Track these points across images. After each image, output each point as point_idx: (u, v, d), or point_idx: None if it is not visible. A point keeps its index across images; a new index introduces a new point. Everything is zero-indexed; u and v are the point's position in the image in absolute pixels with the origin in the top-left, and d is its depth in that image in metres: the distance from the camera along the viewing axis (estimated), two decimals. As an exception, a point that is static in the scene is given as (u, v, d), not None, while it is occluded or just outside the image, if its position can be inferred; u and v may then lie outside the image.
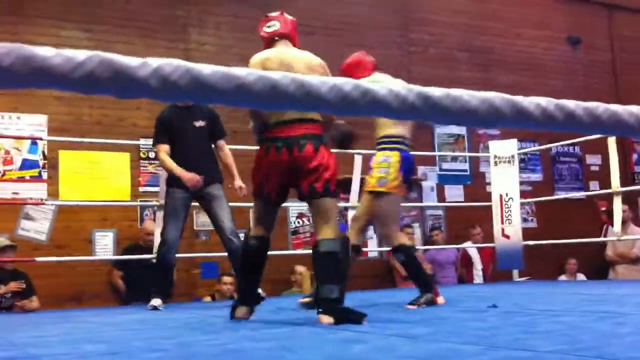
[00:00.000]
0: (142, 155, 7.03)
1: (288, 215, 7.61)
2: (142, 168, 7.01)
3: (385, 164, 4.02)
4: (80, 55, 0.73)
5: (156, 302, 4.78)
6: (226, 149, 5.15)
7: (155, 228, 5.43)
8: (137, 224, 6.86)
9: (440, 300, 4.07)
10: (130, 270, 6.40)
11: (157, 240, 5.33)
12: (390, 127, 4.07)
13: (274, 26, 3.55)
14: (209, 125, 4.98)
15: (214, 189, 4.91)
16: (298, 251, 7.42)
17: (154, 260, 5.22)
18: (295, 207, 7.57)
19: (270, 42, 3.56)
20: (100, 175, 6.81)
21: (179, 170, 4.72)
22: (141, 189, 6.95)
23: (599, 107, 0.80)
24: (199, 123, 4.92)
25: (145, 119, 7.06)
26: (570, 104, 0.79)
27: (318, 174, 3.26)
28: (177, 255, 6.72)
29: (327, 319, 3.13)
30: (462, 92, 0.85)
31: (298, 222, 7.67)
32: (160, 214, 5.36)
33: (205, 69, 0.75)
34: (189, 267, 7.02)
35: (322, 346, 2.41)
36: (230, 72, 0.76)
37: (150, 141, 6.59)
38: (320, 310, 3.20)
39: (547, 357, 1.91)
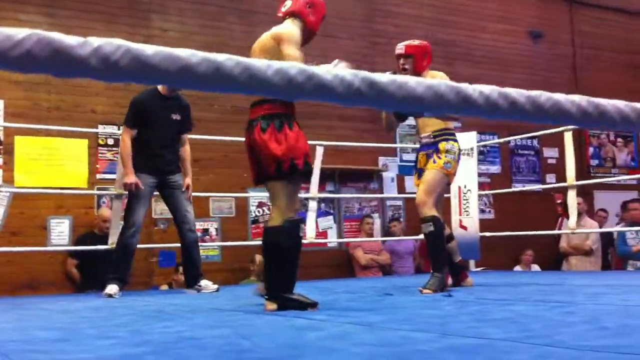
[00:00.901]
0: (100, 142, 6.92)
1: (248, 204, 7.59)
2: (100, 155, 6.91)
3: (451, 151, 4.40)
4: (18, 33, 0.72)
5: (112, 289, 4.70)
6: (187, 145, 5.15)
7: (112, 216, 5.36)
8: (93, 211, 6.76)
9: (450, 281, 4.39)
10: (85, 259, 6.31)
11: (113, 227, 5.27)
12: (445, 121, 4.45)
13: (286, 5, 3.55)
14: (182, 119, 5.00)
15: (178, 178, 4.95)
16: (257, 241, 7.41)
17: (113, 246, 5.15)
18: (255, 197, 7.55)
19: (283, 21, 3.56)
20: (57, 162, 6.69)
21: (129, 165, 4.74)
22: (99, 176, 6.84)
23: (542, 95, 0.82)
24: (176, 116, 4.93)
25: (104, 105, 6.96)
26: (514, 92, 0.81)
27: (267, 156, 3.19)
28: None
29: (270, 306, 3.16)
30: (409, 79, 0.85)
31: (258, 211, 7.65)
32: (117, 202, 5.30)
33: (148, 50, 0.74)
34: (147, 255, 6.95)
35: (278, 334, 2.42)
36: (173, 53, 0.75)
37: (109, 128, 6.54)
38: (266, 297, 3.22)
39: (498, 345, 1.95)
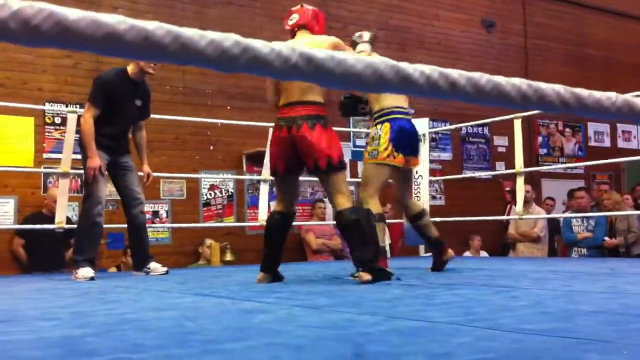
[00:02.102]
0: (47, 120, 6.76)
1: (199, 187, 7.52)
2: (47, 134, 6.75)
3: (376, 137, 4.27)
4: None
5: (88, 272, 4.45)
6: (144, 131, 5.06)
7: (59, 195, 5.23)
8: (39, 191, 6.61)
9: (451, 252, 4.54)
10: (32, 239, 6.18)
11: (60, 207, 5.15)
12: (382, 101, 4.30)
13: (294, 19, 3.90)
14: (142, 106, 4.90)
15: (129, 160, 4.86)
16: (208, 224, 7.36)
17: (61, 226, 5.05)
18: (207, 179, 7.49)
19: (292, 34, 3.92)
20: (1, 140, 6.50)
21: (93, 147, 4.54)
22: (45, 155, 6.69)
23: (482, 77, 0.82)
24: (138, 102, 4.84)
25: (52, 83, 6.79)
26: (454, 73, 0.80)
27: (319, 152, 3.65)
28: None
29: (366, 277, 3.57)
30: (347, 56, 0.84)
31: (210, 194, 7.59)
32: (63, 181, 5.19)
33: (72, 14, 0.70)
34: (95, 237, 6.83)
35: (224, 316, 2.40)
36: (99, 19, 0.72)
37: (56, 106, 6.38)
38: (360, 270, 3.63)
39: (442, 328, 1.97)
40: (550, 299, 2.69)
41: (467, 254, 8.37)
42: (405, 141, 4.29)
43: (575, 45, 10.78)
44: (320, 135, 3.64)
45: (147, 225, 4.98)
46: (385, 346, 1.67)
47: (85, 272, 4.46)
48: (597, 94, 0.98)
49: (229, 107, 7.64)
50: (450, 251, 4.53)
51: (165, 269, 4.96)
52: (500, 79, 0.84)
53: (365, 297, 2.95)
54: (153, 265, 4.91)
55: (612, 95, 1.01)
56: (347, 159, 8.37)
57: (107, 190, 4.81)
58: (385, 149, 4.22)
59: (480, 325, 1.97)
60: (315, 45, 3.39)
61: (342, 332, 1.92)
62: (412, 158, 4.43)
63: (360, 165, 8.57)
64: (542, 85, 0.89)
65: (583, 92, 0.96)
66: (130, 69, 4.73)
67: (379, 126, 4.29)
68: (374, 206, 4.27)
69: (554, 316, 2.18)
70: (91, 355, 1.64)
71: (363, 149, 8.64)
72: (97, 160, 4.54)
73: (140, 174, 4.99)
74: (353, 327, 2.04)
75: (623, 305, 2.42)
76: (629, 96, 1.05)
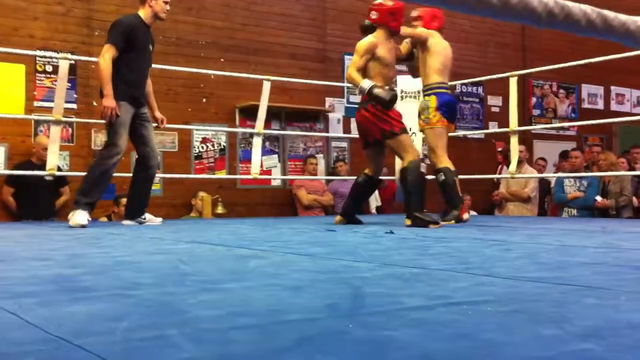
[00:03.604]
0: (38, 68, 6.65)
1: (191, 139, 7.47)
2: (38, 82, 6.64)
3: (425, 107, 5.04)
4: None
5: (83, 218, 4.42)
6: (149, 79, 5.02)
7: (50, 143, 5.18)
8: (30, 139, 6.53)
9: (466, 216, 5.10)
10: (22, 188, 6.14)
11: (51, 154, 5.10)
12: (429, 77, 5.02)
13: (373, 15, 4.69)
14: (151, 52, 4.91)
15: (147, 111, 4.89)
16: (200, 176, 7.33)
17: (52, 173, 5.03)
18: (199, 132, 7.43)
19: (372, 28, 4.69)
20: (-9, 87, 6.40)
21: (108, 87, 4.52)
22: (36, 103, 6.60)
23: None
24: (151, 47, 4.85)
25: (43, 29, 6.67)
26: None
27: (370, 130, 4.57)
28: (74, 174, 6.53)
29: (408, 221, 4.44)
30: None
31: (202, 147, 7.55)
32: (55, 129, 5.13)
33: None
34: (86, 187, 6.79)
35: (220, 261, 2.40)
36: None
37: (48, 53, 6.27)
38: (406, 216, 4.52)
39: (438, 274, 1.97)
40: (544, 252, 2.70)
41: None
42: (448, 110, 5.02)
43: None
44: (374, 114, 4.51)
45: None
46: (383, 288, 1.67)
47: (80, 218, 4.42)
48: (623, 17, 0.95)
49: (222, 60, 7.54)
50: (466, 215, 5.14)
51: (160, 219, 4.99)
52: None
53: (360, 248, 2.95)
54: (148, 215, 4.92)
55: (639, 19, 0.98)
56: (340, 115, 8.36)
57: (127, 139, 4.76)
58: (434, 116, 4.94)
59: (476, 273, 1.97)
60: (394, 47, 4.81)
61: (338, 276, 1.92)
62: (451, 124, 5.17)
63: (353, 121, 8.53)
64: (569, 3, 0.86)
65: (610, 13, 0.93)
66: (143, 14, 4.70)
67: (426, 98, 5.03)
68: (448, 164, 4.95)
69: (549, 266, 2.19)
70: (87, 291, 1.63)
71: (356, 105, 8.62)
72: (112, 100, 4.52)
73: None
74: (349, 272, 2.04)
75: (618, 259, 2.43)
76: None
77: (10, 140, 6.48)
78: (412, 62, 5.28)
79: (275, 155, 8.03)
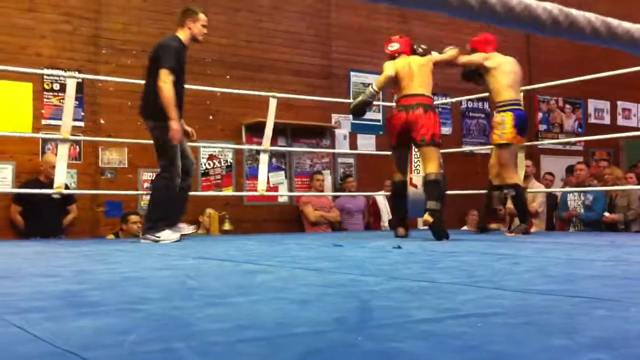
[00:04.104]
0: (45, 86, 6.69)
1: (198, 157, 7.47)
2: (45, 100, 6.68)
3: (501, 122, 5.34)
4: None
5: (170, 234, 4.60)
6: None
7: (58, 161, 5.19)
8: (38, 157, 6.56)
9: (534, 229, 5.60)
10: (29, 206, 6.15)
11: (58, 173, 5.12)
12: (503, 94, 5.37)
13: (394, 46, 5.36)
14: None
15: (184, 126, 4.96)
16: (207, 193, 7.33)
17: (60, 191, 5.04)
18: (206, 149, 7.45)
19: (393, 56, 5.32)
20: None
21: (174, 111, 4.58)
22: (44, 121, 6.63)
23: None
24: (185, 66, 4.92)
25: (50, 48, 6.72)
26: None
27: (425, 129, 4.86)
28: (82, 192, 6.54)
29: (427, 217, 4.72)
30: None
31: (209, 164, 7.56)
32: (63, 147, 5.15)
33: None
34: (93, 205, 6.81)
35: (227, 276, 2.39)
36: None
37: (55, 72, 6.31)
38: (427, 213, 4.75)
39: (446, 287, 1.96)
40: (552, 265, 2.69)
41: (464, 228, 8.37)
42: (521, 126, 5.41)
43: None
44: (429, 118, 4.91)
45: None
46: (391, 301, 1.66)
47: (168, 234, 4.60)
48: (627, 25, 0.95)
49: (228, 77, 7.57)
50: (534, 228, 5.64)
51: (193, 227, 5.39)
52: (531, 1, 0.81)
53: (367, 262, 2.94)
54: (182, 225, 4.99)
55: (643, 26, 0.98)
56: (347, 130, 8.37)
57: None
58: (510, 132, 5.29)
59: (485, 286, 1.96)
60: (420, 63, 5.21)
61: (346, 290, 1.92)
62: (522, 139, 5.62)
63: (360, 137, 8.57)
64: (573, 11, 0.86)
65: (613, 21, 0.93)
66: (182, 35, 4.79)
67: (502, 114, 5.35)
68: (518, 180, 5.44)
69: (558, 279, 2.17)
70: (94, 306, 1.62)
71: (360, 122, 8.61)
72: (176, 124, 4.58)
73: None
74: (357, 285, 2.03)
75: (626, 272, 2.41)
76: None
77: (17, 158, 6.51)
78: (475, 81, 5.88)
79: (282, 172, 8.04)
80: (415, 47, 5.41)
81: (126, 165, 7.02)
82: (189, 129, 5.17)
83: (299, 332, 1.25)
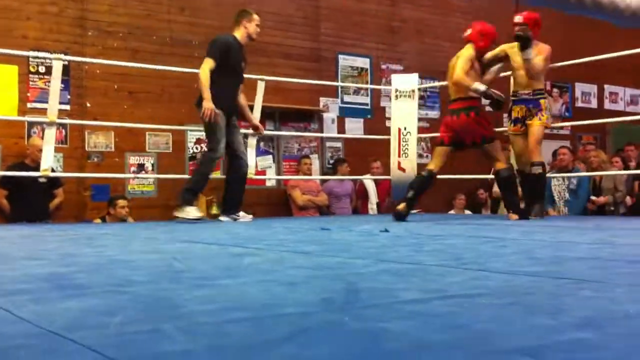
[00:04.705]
0: (31, 69, 6.62)
1: (185, 140, 7.44)
2: (31, 83, 6.61)
3: (548, 109, 5.58)
4: None
5: (195, 211, 5.14)
6: (243, 93, 5.57)
7: (44, 144, 5.15)
8: (23, 141, 6.50)
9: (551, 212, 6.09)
10: (15, 190, 6.10)
11: (45, 156, 5.08)
12: (540, 83, 5.47)
13: (467, 32, 5.33)
14: (244, 68, 5.48)
15: (236, 121, 5.46)
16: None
17: (47, 174, 5.03)
18: (193, 132, 7.41)
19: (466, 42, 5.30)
20: (-16, 88, 6.37)
21: (207, 93, 5.08)
22: (29, 104, 6.56)
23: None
24: (243, 64, 5.43)
25: (36, 30, 6.64)
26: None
27: (475, 131, 5.14)
28: (68, 175, 6.51)
29: (514, 216, 5.12)
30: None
31: (196, 148, 7.53)
32: (50, 131, 5.11)
33: None
34: (79, 188, 6.77)
35: (214, 259, 2.39)
36: None
37: (41, 54, 6.24)
38: (509, 211, 5.23)
39: (433, 269, 1.97)
40: (539, 248, 2.70)
41: (451, 212, 8.41)
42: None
43: None
44: (475, 119, 5.14)
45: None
46: (378, 283, 1.66)
47: (194, 212, 5.13)
48: None
49: (216, 60, 7.52)
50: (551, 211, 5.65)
51: (251, 216, 5.61)
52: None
53: (355, 245, 2.95)
54: (241, 213, 5.45)
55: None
56: (334, 115, 8.36)
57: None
58: (546, 116, 5.41)
59: (471, 268, 1.97)
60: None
61: (333, 272, 1.92)
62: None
63: (348, 122, 8.55)
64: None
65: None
66: (238, 34, 5.35)
67: (544, 100, 5.43)
68: (542, 157, 5.41)
69: (544, 261, 2.19)
70: (80, 288, 1.62)
71: (351, 105, 8.59)
72: (211, 103, 5.05)
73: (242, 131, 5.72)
74: (344, 268, 2.03)
75: (612, 254, 2.43)
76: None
77: (3, 142, 6.45)
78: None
79: (270, 156, 8.02)
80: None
81: (113, 149, 6.98)
82: (256, 123, 5.79)
83: (286, 313, 1.26)
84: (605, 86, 11.04)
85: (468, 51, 5.20)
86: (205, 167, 5.33)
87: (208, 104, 5.06)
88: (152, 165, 7.22)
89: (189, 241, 3.25)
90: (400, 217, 5.06)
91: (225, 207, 5.50)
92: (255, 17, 5.42)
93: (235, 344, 1.00)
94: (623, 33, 10.18)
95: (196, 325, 1.13)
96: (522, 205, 5.32)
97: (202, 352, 0.94)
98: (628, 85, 11.23)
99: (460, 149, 5.36)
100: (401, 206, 5.15)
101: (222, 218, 5.46)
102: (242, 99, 5.54)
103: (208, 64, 5.14)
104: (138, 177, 7.04)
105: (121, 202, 6.40)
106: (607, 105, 11.08)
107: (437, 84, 8.45)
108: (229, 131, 5.30)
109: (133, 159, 7.08)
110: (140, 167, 7.13)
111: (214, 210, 7.20)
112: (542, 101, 5.40)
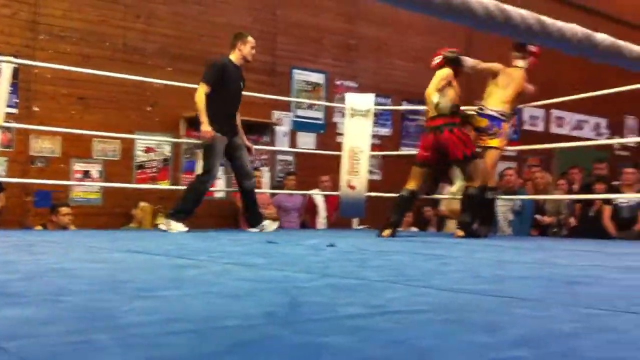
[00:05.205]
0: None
1: (134, 148, 7.34)
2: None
3: (507, 134, 5.62)
4: None
5: (181, 226, 5.27)
6: (238, 113, 5.72)
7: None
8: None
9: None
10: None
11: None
12: (511, 107, 5.59)
13: (435, 61, 5.51)
14: (242, 89, 5.65)
15: (238, 140, 5.62)
16: (142, 186, 7.19)
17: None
18: (143, 141, 7.32)
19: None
20: None
21: (204, 117, 5.26)
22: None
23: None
24: (240, 84, 5.60)
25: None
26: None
27: (457, 148, 5.13)
28: (12, 180, 6.35)
29: (460, 232, 5.20)
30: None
31: (145, 156, 7.43)
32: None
33: None
34: (22, 194, 6.60)
35: (157, 269, 2.36)
36: None
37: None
38: (457, 227, 5.32)
39: (377, 285, 1.98)
40: (481, 266, 2.75)
41: (398, 229, 8.46)
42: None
43: None
44: (457, 136, 5.17)
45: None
46: (321, 298, 1.67)
47: (180, 226, 5.27)
48: (560, 24, 0.99)
49: (169, 68, 7.45)
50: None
51: (277, 224, 6.07)
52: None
53: (301, 259, 2.94)
54: (266, 222, 5.79)
55: (575, 27, 1.01)
56: (287, 128, 8.36)
57: (219, 167, 5.64)
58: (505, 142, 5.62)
59: (414, 284, 1.99)
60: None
61: (277, 285, 1.91)
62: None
63: (300, 135, 8.57)
64: (508, 7, 0.89)
65: (547, 19, 0.96)
66: (234, 57, 5.53)
67: (508, 124, 5.54)
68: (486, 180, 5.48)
69: (486, 279, 2.22)
70: (17, 296, 1.57)
71: (304, 120, 8.61)
72: (209, 126, 5.24)
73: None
74: (288, 282, 2.03)
75: (552, 274, 2.49)
76: (591, 32, 1.07)
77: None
78: None
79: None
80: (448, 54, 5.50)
81: (59, 155, 6.84)
82: (248, 143, 5.82)
83: (227, 325, 1.25)
84: (552, 110, 11.33)
85: (444, 71, 5.33)
86: (193, 193, 5.49)
87: (205, 128, 5.25)
88: (99, 172, 7.09)
89: (132, 251, 3.19)
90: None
91: (251, 221, 5.78)
92: (250, 39, 5.58)
93: (173, 356, 0.99)
94: (571, 58, 10.49)
95: (133, 337, 1.11)
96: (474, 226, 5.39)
97: (137, 364, 0.93)
98: (574, 110, 11.55)
99: (439, 166, 5.45)
100: (386, 232, 5.22)
101: (250, 230, 5.73)
102: (237, 118, 5.69)
103: (202, 88, 5.33)
104: (82, 185, 6.90)
105: (64, 210, 6.26)
106: (554, 129, 11.37)
107: (391, 107, 8.54)
108: (232, 152, 5.53)
109: (79, 166, 6.95)
110: (86, 174, 6.99)
111: (159, 220, 7.11)
112: (504, 125, 5.50)
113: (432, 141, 5.25)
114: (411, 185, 5.38)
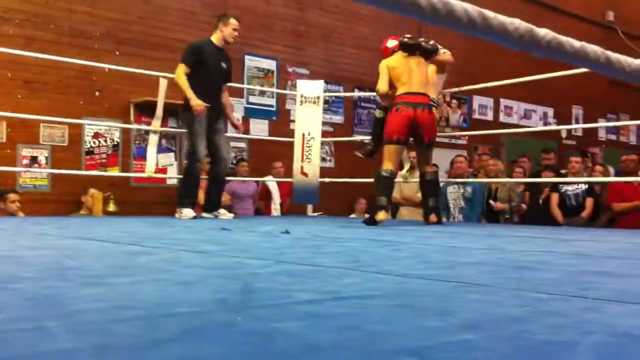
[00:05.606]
0: None
1: (82, 134, 7.19)
2: None
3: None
4: None
5: (190, 212, 5.43)
6: (227, 92, 5.94)
7: None
8: None
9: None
10: None
11: None
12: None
13: (393, 42, 5.56)
14: (227, 70, 5.77)
15: (220, 124, 5.75)
16: (91, 172, 7.07)
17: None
18: (91, 126, 7.18)
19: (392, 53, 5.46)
20: None
21: (190, 92, 5.41)
22: None
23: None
24: (223, 64, 5.72)
25: None
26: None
27: (432, 130, 5.19)
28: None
29: (433, 217, 5.23)
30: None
31: (94, 142, 7.29)
32: None
33: None
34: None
35: (108, 257, 2.32)
36: None
37: None
38: (430, 214, 5.26)
39: (331, 271, 1.99)
40: (432, 252, 2.79)
41: (352, 216, 8.54)
42: None
43: None
44: (433, 118, 5.22)
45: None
46: (275, 284, 1.67)
47: (189, 212, 5.44)
48: (502, 18, 1.00)
49: (117, 53, 7.31)
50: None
51: (232, 215, 5.95)
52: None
53: (255, 246, 2.94)
54: (222, 211, 5.82)
55: (516, 22, 1.03)
56: (240, 115, 8.30)
57: (205, 145, 5.62)
58: None
59: (367, 270, 2.00)
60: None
61: (229, 272, 1.91)
62: None
63: (252, 122, 8.53)
64: (452, 0, 0.90)
65: (490, 13, 0.97)
66: (215, 38, 5.68)
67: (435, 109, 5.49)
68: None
69: (437, 265, 2.26)
70: (-39, 284, 1.53)
71: (257, 106, 8.58)
72: (197, 100, 5.38)
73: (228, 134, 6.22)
74: (241, 268, 2.02)
75: (501, 259, 2.54)
76: (533, 27, 1.08)
77: None
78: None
79: (172, 154, 7.88)
80: (421, 42, 5.42)
81: (4, 140, 6.67)
82: (235, 121, 6.11)
83: (179, 312, 1.24)
84: (501, 100, 11.53)
85: (381, 65, 5.32)
86: (187, 177, 5.64)
87: (195, 102, 5.38)
88: (46, 158, 6.94)
89: (82, 238, 3.14)
90: (375, 224, 4.93)
91: (207, 206, 5.81)
92: (233, 21, 5.70)
93: (123, 343, 0.97)
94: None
95: (82, 324, 1.09)
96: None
97: (86, 352, 0.91)
98: (522, 100, 11.76)
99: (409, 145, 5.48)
100: (381, 216, 4.93)
101: (204, 214, 5.74)
102: (224, 98, 5.84)
103: (181, 67, 5.48)
104: (30, 171, 6.73)
105: (12, 197, 6.12)
106: (502, 118, 11.57)
107: (342, 94, 8.55)
108: (210, 134, 5.58)
109: (25, 151, 6.78)
110: (33, 160, 6.84)
111: (111, 207, 7.01)
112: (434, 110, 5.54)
113: (410, 117, 5.03)
114: (388, 165, 5.11)
